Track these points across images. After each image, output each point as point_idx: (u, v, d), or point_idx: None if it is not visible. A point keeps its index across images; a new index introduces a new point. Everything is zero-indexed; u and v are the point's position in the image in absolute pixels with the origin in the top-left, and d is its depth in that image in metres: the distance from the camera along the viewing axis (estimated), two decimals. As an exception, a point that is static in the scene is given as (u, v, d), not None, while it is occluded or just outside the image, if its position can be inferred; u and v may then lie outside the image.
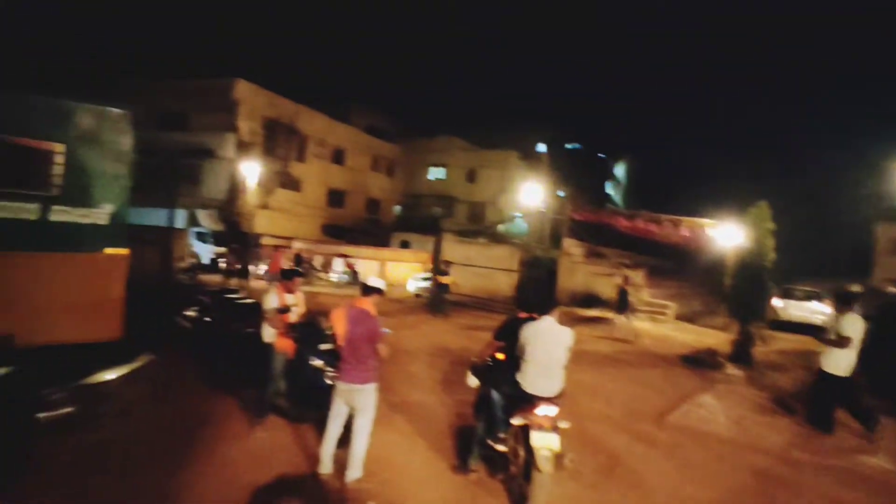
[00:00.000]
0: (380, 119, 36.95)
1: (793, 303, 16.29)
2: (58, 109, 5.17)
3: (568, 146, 45.88)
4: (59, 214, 5.12)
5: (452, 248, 19.45)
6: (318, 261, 22.91)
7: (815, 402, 6.77)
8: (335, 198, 31.53)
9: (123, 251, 5.55)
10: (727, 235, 12.83)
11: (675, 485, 4.90)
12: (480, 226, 31.75)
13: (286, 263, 18.84)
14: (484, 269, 18.00)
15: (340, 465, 4.34)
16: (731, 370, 9.87)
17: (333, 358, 5.28)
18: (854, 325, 6.27)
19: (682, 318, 17.55)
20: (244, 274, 17.02)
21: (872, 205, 24.89)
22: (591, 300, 19.01)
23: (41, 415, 4.35)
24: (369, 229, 32.65)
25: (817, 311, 15.52)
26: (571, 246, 21.24)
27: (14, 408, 4.15)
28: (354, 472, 4.25)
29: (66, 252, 5.20)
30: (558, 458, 4.03)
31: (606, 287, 19.51)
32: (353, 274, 21.58)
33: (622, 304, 13.04)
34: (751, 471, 5.37)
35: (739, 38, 75.97)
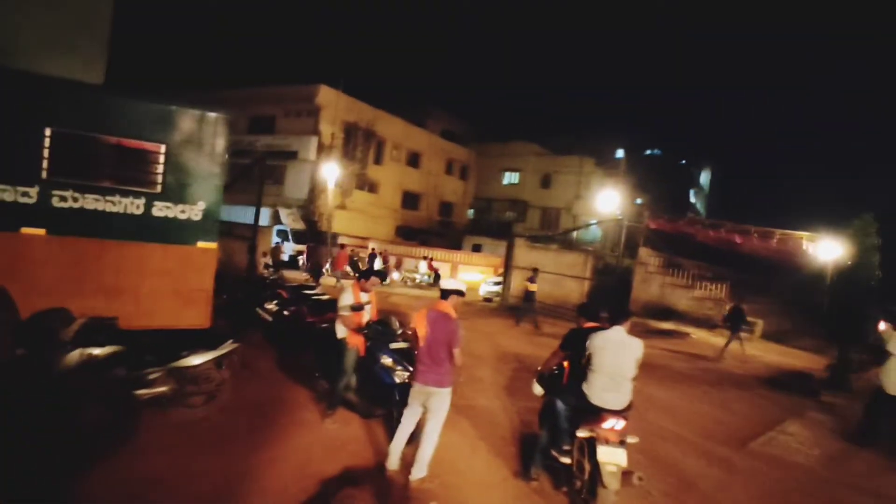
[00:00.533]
0: (455, 123, 37.30)
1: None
2: (163, 113, 5.61)
3: (648, 152, 44.29)
4: (161, 210, 5.56)
5: (524, 253, 19.25)
6: (392, 261, 23.47)
7: (867, 418, 6.90)
8: (410, 200, 32.14)
9: (214, 245, 5.93)
10: (826, 250, 11.87)
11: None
12: (553, 232, 31.27)
13: (360, 263, 19.44)
14: (554, 276, 17.65)
15: (406, 463, 4.40)
16: (827, 397, 9.12)
17: (403, 357, 5.39)
18: None
19: (768, 336, 16.39)
20: (317, 271, 17.70)
21: None
22: (666, 312, 18.20)
23: (140, 391, 4.74)
24: (442, 231, 33.02)
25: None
26: (647, 255, 20.41)
27: (117, 384, 4.56)
28: (419, 472, 4.28)
29: (166, 244, 5.63)
30: (626, 475, 3.89)
31: (683, 299, 18.61)
32: (436, 276, 21.94)
33: (735, 324, 12.02)
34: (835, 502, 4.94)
35: (835, 40, 70.17)
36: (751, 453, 6.15)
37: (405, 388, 4.89)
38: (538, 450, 4.59)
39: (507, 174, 36.98)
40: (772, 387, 9.63)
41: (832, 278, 10.44)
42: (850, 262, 9.99)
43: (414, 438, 4.45)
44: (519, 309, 14.24)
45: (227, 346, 5.39)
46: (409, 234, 30.65)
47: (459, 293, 4.50)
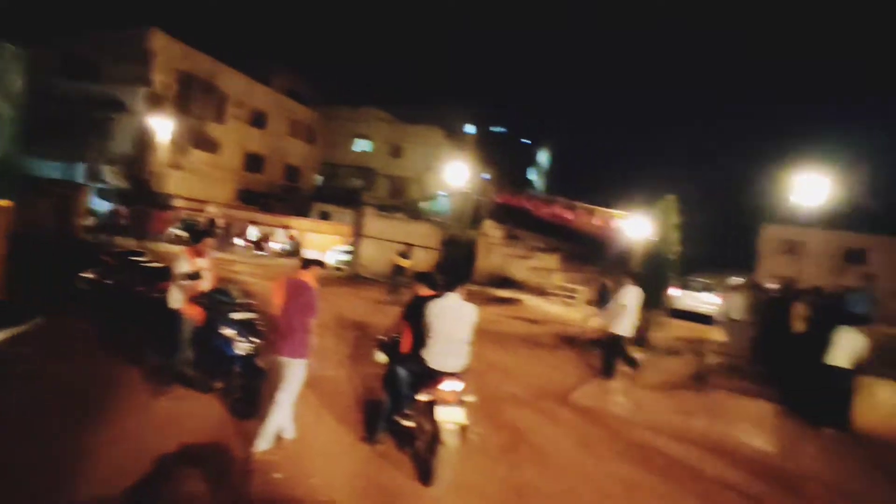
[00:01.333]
0: (302, 84, 35.35)
1: (689, 293, 17.58)
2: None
3: (494, 129, 46.43)
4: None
5: (373, 223, 19.17)
6: (235, 228, 21.93)
7: (605, 355, 8.45)
8: (253, 162, 29.99)
9: (6, 203, 4.93)
10: (636, 227, 13.54)
11: (574, 460, 5.12)
12: (402, 201, 31.55)
13: (204, 228, 17.78)
14: (402, 246, 17.89)
15: (247, 436, 4.22)
16: (634, 353, 10.48)
17: (247, 328, 5.05)
18: (629, 296, 8.16)
19: (591, 302, 18.41)
20: (141, 234, 15.86)
21: (762, 208, 27.32)
22: (506, 281, 19.50)
23: None
24: (287, 197, 31.45)
25: (709, 301, 16.85)
26: (491, 227, 21.59)
27: None
28: (264, 444, 4.18)
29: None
30: (463, 431, 4.10)
31: (521, 269, 20.08)
32: (295, 245, 20.92)
33: (602, 299, 12.85)
34: (642, 446, 5.73)
35: (667, 35, 79.76)
36: (572, 405, 6.84)
37: (248, 361, 4.73)
38: (382, 415, 4.66)
39: (358, 141, 36.26)
40: (592, 347, 10.83)
41: (641, 252, 11.95)
42: (655, 238, 11.49)
43: (254, 412, 4.30)
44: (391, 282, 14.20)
45: (30, 322, 4.57)
46: (252, 199, 28.71)
47: (320, 264, 4.47)
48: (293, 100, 33.03)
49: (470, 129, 39.78)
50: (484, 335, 9.85)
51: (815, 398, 7.45)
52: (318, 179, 36.07)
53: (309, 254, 4.57)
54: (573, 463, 5.06)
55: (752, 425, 6.95)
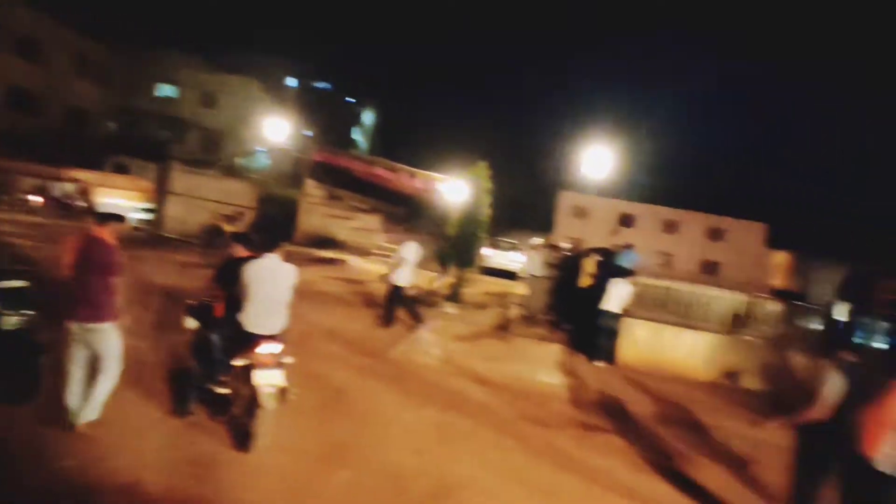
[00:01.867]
0: (91, 13, 29.82)
1: (498, 252, 19.26)
2: None
3: (317, 84, 44.57)
4: None
5: (180, 178, 17.27)
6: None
7: (386, 305, 8.99)
8: (21, 100, 24.65)
9: None
10: (453, 190, 14.31)
11: (390, 410, 5.42)
12: (216, 156, 28.87)
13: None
14: (214, 204, 16.47)
15: (29, 422, 3.78)
16: (447, 308, 11.23)
17: (16, 298, 4.25)
18: (407, 250, 8.85)
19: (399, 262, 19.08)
20: None
21: (560, 174, 30.77)
22: (328, 241, 19.25)
23: None
24: (73, 146, 26.59)
25: (515, 259, 18.67)
26: (312, 187, 20.98)
27: None
28: (91, 414, 3.89)
29: None
30: (282, 393, 4.06)
31: (343, 229, 19.98)
32: (84, 200, 17.70)
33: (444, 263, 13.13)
34: (453, 391, 6.28)
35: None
36: (390, 360, 7.17)
37: (18, 336, 4.10)
38: (193, 384, 4.43)
39: (162, 86, 31.98)
40: (411, 304, 11.32)
41: (456, 214, 12.70)
42: (468, 201, 12.29)
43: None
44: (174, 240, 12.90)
45: None
46: (23, 147, 23.66)
47: (119, 218, 4.06)
48: (80, 31, 27.58)
49: (291, 82, 37.59)
50: (304, 296, 9.65)
51: (593, 338, 8.87)
52: (113, 127, 31.08)
53: (105, 207, 4.01)
54: (390, 413, 5.35)
55: (546, 365, 8.02)
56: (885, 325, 7.34)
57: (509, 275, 17.66)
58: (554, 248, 12.98)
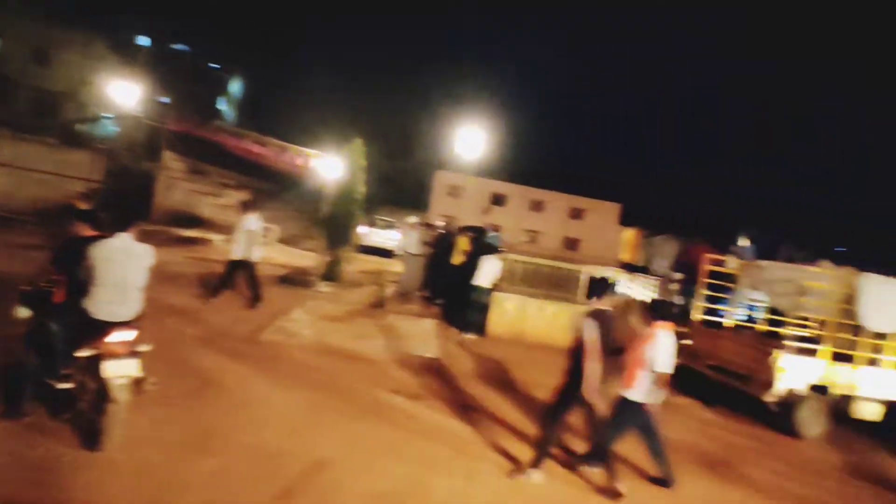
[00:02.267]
0: None
1: (374, 230, 19.25)
2: None
3: (175, 46, 40.63)
4: None
5: (4, 145, 14.88)
6: None
7: (222, 278, 8.54)
8: None
9: None
10: (328, 167, 13.98)
11: (260, 394, 5.29)
12: (52, 122, 25.23)
13: None
14: (50, 177, 14.47)
15: None
16: (322, 287, 11.06)
17: None
18: (248, 223, 8.30)
19: (283, 241, 18.43)
20: None
21: (435, 154, 31.30)
22: (191, 220, 17.87)
23: None
24: None
25: (391, 237, 18.79)
26: (171, 160, 19.26)
27: None
28: None
29: None
30: (137, 384, 3.80)
31: (208, 206, 18.66)
32: None
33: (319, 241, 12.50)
34: (325, 370, 6.28)
35: None
36: (262, 342, 6.96)
37: None
38: (28, 381, 3.95)
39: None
40: (282, 283, 10.98)
41: (331, 191, 12.45)
42: (344, 178, 12.11)
43: None
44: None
45: None
46: None
47: None
48: None
49: (143, 42, 33.81)
50: (164, 278, 9.00)
51: (465, 312, 9.32)
52: None
53: None
54: (260, 396, 5.23)
55: (419, 340, 8.27)
56: (706, 291, 8.58)
57: (385, 253, 17.77)
58: (429, 226, 13.28)
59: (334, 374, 6.28)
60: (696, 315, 8.50)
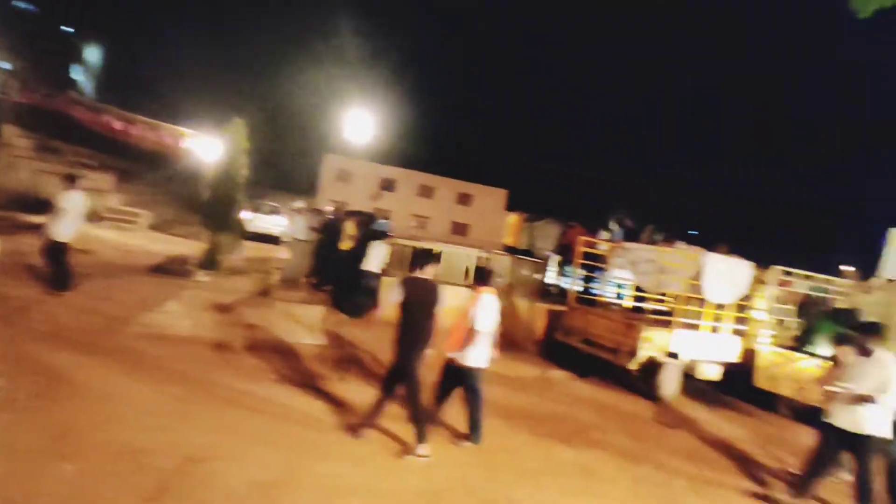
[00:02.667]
0: None
1: (259, 216, 18.37)
2: None
3: (19, 4, 35.57)
4: None
5: None
6: None
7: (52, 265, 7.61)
8: None
9: None
10: (206, 148, 13.07)
11: (120, 388, 4.89)
12: None
13: None
14: None
15: None
16: (201, 277, 10.39)
17: None
18: (68, 201, 7.48)
19: (154, 227, 16.97)
20: None
21: (324, 137, 30.44)
22: (40, 204, 15.84)
23: None
24: None
25: (277, 223, 18.05)
26: (15, 135, 16.91)
27: None
28: None
29: None
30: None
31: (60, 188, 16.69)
32: None
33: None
34: (199, 362, 5.96)
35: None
36: (130, 335, 6.43)
37: None
38: None
39: None
40: (154, 272, 10.16)
41: (210, 174, 11.68)
42: (224, 161, 11.40)
43: None
44: None
45: None
46: None
47: None
48: None
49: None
50: (10, 270, 7.94)
51: (354, 298, 9.26)
52: None
53: None
54: (126, 393, 4.84)
55: (305, 327, 8.10)
56: (581, 271, 9.30)
57: (271, 239, 17.04)
58: (317, 211, 12.96)
59: (208, 365, 5.95)
60: (572, 293, 9.17)
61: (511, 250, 11.99)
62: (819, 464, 4.75)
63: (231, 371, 5.89)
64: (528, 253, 11.26)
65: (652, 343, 7.58)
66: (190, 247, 12.85)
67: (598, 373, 8.24)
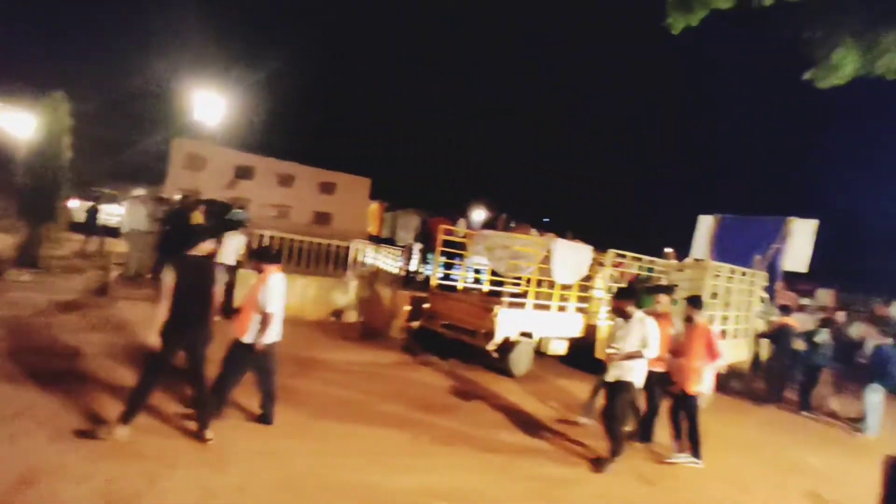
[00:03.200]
0: None
1: (91, 205, 16.26)
2: None
3: None
4: None
5: None
6: None
7: None
8: None
9: None
10: (17, 124, 11.27)
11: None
12: None
13: None
14: None
15: None
16: (17, 276, 9.02)
17: None
18: None
19: None
20: None
21: (172, 120, 27.76)
22: None
23: None
24: None
25: (115, 213, 16.20)
26: None
27: None
28: None
29: None
30: None
31: None
32: None
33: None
34: (21, 371, 5.21)
35: None
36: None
37: None
38: None
39: None
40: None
41: (25, 156, 10.09)
42: (41, 141, 9.92)
43: None
44: None
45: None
46: None
47: None
48: None
49: None
50: None
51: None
52: None
53: None
54: None
55: (150, 326, 7.37)
56: (441, 258, 9.62)
57: (109, 231, 15.21)
58: (160, 200, 11.85)
59: (38, 371, 5.23)
60: (434, 280, 9.44)
61: (374, 239, 11.97)
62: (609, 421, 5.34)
63: (57, 376, 5.21)
64: (390, 242, 11.32)
65: (507, 324, 8.09)
66: (3, 241, 11.02)
67: (459, 355, 8.60)
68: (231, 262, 8.86)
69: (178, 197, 13.03)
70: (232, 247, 8.86)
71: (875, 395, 8.18)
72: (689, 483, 5.25)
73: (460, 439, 5.41)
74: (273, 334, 4.73)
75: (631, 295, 5.46)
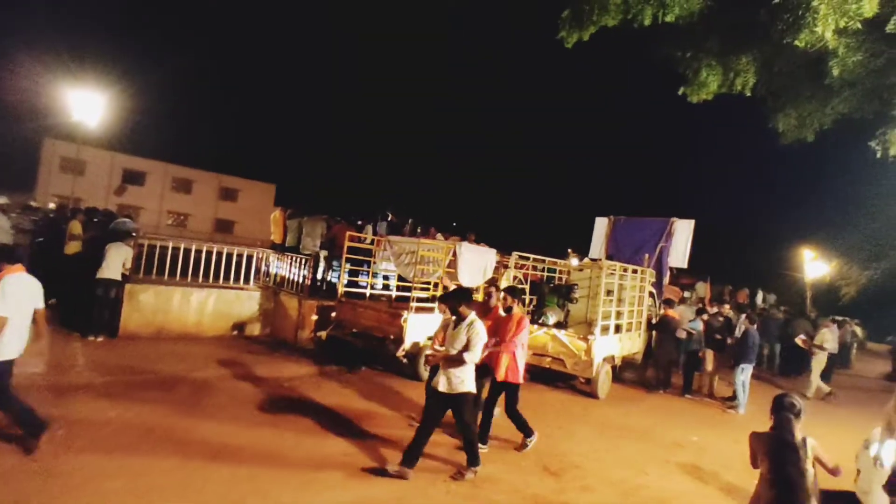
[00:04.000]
0: None
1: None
2: None
3: None
4: None
5: None
6: None
7: None
8: None
9: None
10: None
11: None
12: None
13: None
14: None
15: None
16: None
17: None
18: None
19: None
20: None
21: (43, 119, 25.07)
22: None
23: None
24: None
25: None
26: None
27: None
28: None
29: None
30: None
31: None
32: None
33: None
34: None
35: None
36: None
37: None
38: None
39: None
40: None
41: None
42: None
43: None
44: None
45: None
46: None
47: None
48: None
49: None
50: None
51: (88, 311, 7.91)
52: None
53: None
54: None
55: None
56: (348, 265, 9.50)
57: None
58: (29, 208, 10.70)
59: None
60: (341, 288, 9.28)
61: (278, 247, 11.57)
62: (423, 429, 4.88)
63: None
64: (295, 249, 10.99)
65: (415, 329, 8.12)
66: None
67: (368, 363, 8.53)
68: (116, 276, 8.17)
69: (52, 206, 11.80)
70: (116, 259, 8.16)
71: (742, 375, 9.19)
72: (591, 472, 5.58)
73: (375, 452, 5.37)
74: (9, 349, 4.14)
75: (462, 296, 5.11)
